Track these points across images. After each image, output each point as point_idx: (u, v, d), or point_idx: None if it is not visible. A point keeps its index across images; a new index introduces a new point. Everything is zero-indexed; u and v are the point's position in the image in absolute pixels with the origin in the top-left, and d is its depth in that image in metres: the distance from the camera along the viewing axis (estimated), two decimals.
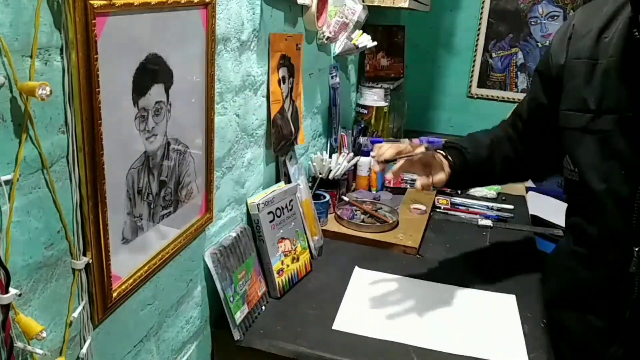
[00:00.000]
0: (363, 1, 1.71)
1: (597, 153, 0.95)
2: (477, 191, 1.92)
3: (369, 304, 1.24)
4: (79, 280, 0.72)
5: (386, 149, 1.12)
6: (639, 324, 0.95)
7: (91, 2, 0.62)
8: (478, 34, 2.56)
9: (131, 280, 0.83)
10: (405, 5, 1.71)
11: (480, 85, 2.63)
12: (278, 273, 1.25)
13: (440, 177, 1.13)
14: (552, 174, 1.27)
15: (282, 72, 1.32)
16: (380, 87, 2.02)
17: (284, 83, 1.34)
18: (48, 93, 0.57)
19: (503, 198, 1.91)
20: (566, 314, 1.10)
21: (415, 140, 1.21)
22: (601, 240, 0.98)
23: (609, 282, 0.98)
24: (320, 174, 1.60)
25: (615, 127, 0.93)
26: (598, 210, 0.97)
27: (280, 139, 1.35)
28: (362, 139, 1.87)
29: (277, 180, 1.42)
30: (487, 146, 1.22)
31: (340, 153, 1.74)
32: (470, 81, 2.63)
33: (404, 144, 1.15)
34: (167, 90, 0.85)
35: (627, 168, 0.92)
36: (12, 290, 0.59)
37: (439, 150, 1.20)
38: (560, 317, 1.12)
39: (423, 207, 1.74)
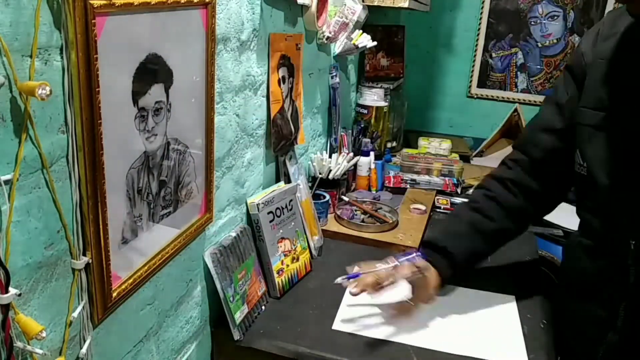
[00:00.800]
0: (363, 1, 1.71)
1: (604, 149, 0.97)
2: None
3: (369, 304, 1.24)
4: (78, 280, 0.72)
5: (367, 282, 1.11)
6: (633, 314, 0.99)
7: (91, 1, 0.62)
8: (478, 34, 2.56)
9: (131, 280, 0.83)
10: (405, 5, 1.71)
11: (480, 85, 2.63)
12: (278, 273, 1.25)
13: (424, 294, 1.14)
14: (561, 198, 1.21)
15: (282, 72, 1.32)
16: (380, 87, 2.02)
17: (283, 83, 1.34)
18: (48, 93, 0.57)
19: None
20: (570, 301, 1.13)
21: (391, 259, 1.14)
22: (603, 232, 1.02)
23: (609, 272, 1.01)
24: (320, 173, 1.60)
25: (621, 125, 0.95)
26: (602, 204, 1.00)
27: (280, 139, 1.35)
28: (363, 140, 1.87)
29: (277, 180, 1.42)
30: (468, 223, 1.18)
31: (340, 153, 1.74)
32: (470, 81, 2.63)
33: (383, 270, 1.12)
34: (167, 90, 0.85)
35: (629, 164, 0.95)
36: (12, 290, 0.59)
37: (421, 259, 1.16)
38: (565, 304, 1.15)
39: (423, 207, 1.74)
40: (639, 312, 0.98)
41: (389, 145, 2.21)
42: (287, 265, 1.29)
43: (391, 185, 1.89)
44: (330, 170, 1.61)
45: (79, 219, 0.70)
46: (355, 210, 1.67)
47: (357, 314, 1.20)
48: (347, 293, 1.27)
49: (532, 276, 1.41)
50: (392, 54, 2.29)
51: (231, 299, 1.10)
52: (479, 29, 2.55)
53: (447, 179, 1.92)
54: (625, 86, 0.96)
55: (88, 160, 0.68)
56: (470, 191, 1.92)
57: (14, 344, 0.61)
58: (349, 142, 1.84)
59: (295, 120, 1.43)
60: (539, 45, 2.50)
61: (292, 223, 1.33)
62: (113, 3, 0.67)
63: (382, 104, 2.04)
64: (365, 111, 2.04)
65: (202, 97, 0.97)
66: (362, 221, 1.62)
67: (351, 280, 1.14)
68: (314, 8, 1.39)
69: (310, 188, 1.56)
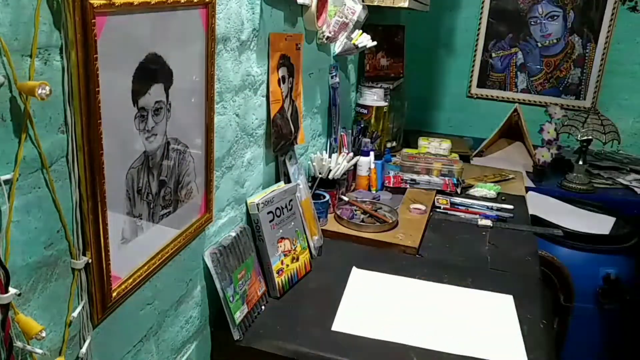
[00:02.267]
0: (363, 1, 1.71)
1: None
2: (477, 191, 1.92)
3: (368, 304, 1.24)
4: (78, 280, 0.72)
5: None
6: None
7: (91, 1, 0.62)
8: (478, 34, 2.57)
9: (131, 280, 0.83)
10: (405, 5, 1.71)
11: (480, 85, 2.63)
12: (278, 273, 1.25)
13: None
14: None
15: (282, 71, 1.32)
16: (380, 87, 2.02)
17: (283, 83, 1.34)
18: (48, 92, 0.57)
19: (503, 198, 1.91)
20: None
21: None
22: None
23: None
24: (320, 173, 1.60)
25: None
26: None
27: (280, 139, 1.35)
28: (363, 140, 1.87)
29: (277, 180, 1.42)
30: None
31: (340, 153, 1.74)
32: (470, 81, 2.63)
33: None
34: (166, 90, 0.85)
35: None
36: (12, 290, 0.59)
37: None
38: None
39: (423, 207, 1.74)
40: None
41: (389, 145, 2.21)
42: (287, 265, 1.29)
43: (391, 185, 1.89)
44: (330, 170, 1.61)
45: (79, 219, 0.69)
46: (355, 210, 1.67)
47: (357, 314, 1.20)
48: (346, 293, 1.27)
49: (532, 276, 1.41)
50: (392, 54, 2.29)
51: (231, 298, 1.10)
52: (478, 29, 2.56)
53: (447, 179, 1.92)
54: None
55: (88, 160, 0.68)
56: (471, 191, 1.91)
57: (14, 344, 0.61)
58: (349, 142, 1.84)
59: (295, 120, 1.43)
60: (539, 45, 2.51)
61: (292, 223, 1.33)
62: (113, 3, 0.67)
63: (382, 103, 2.04)
64: (365, 111, 2.04)
65: (202, 97, 0.97)
66: (362, 221, 1.62)
67: None
68: (313, 8, 1.39)
69: (310, 188, 1.56)
